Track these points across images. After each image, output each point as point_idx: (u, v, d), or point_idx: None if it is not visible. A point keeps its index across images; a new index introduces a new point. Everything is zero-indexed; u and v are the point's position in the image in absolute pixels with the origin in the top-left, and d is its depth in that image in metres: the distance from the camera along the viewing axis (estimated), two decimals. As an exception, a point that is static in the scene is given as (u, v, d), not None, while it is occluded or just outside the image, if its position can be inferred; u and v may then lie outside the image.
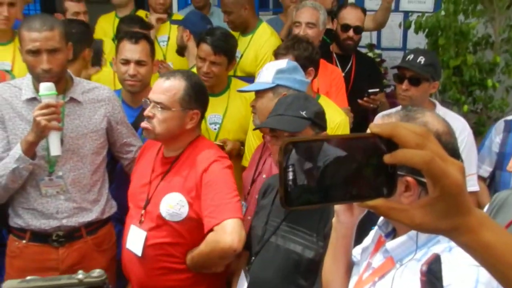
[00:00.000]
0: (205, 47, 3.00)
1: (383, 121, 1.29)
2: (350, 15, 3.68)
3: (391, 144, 0.71)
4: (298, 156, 0.69)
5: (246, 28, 3.97)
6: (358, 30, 3.71)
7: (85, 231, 2.48)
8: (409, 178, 1.20)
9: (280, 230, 1.99)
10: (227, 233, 2.10)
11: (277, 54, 2.80)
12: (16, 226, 2.42)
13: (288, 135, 2.00)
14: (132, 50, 2.83)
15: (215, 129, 3.08)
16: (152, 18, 3.99)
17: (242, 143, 3.00)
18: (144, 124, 2.25)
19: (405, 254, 1.26)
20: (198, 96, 2.30)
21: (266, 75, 2.47)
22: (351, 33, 3.67)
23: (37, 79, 2.29)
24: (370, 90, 3.49)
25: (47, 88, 2.21)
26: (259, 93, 2.49)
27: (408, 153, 0.69)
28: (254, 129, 2.49)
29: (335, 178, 0.70)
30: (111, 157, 2.69)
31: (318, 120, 2.07)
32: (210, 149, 2.33)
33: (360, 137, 0.73)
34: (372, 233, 1.47)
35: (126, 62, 2.83)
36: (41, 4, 7.62)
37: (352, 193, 0.72)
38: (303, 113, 2.03)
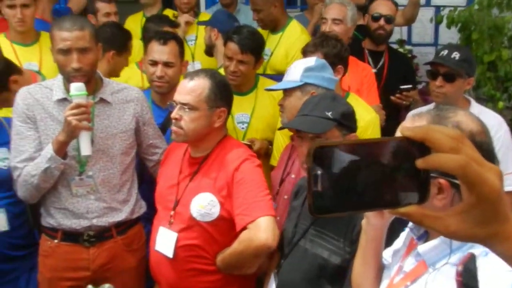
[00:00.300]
0: (232, 46, 2.99)
1: (414, 121, 1.25)
2: (380, 5, 3.64)
3: (423, 148, 0.68)
4: (327, 161, 0.67)
5: (275, 26, 3.96)
6: (389, 19, 3.64)
7: (115, 231, 2.50)
8: (442, 180, 1.17)
9: (308, 233, 1.97)
10: (261, 230, 2.08)
11: (305, 52, 2.77)
12: (48, 225, 2.46)
13: (312, 136, 1.96)
14: (160, 51, 2.84)
15: (242, 128, 3.08)
16: (181, 20, 4.00)
17: (270, 142, 2.99)
18: (173, 128, 2.25)
19: (438, 258, 1.23)
20: (223, 93, 2.30)
21: (294, 73, 2.45)
22: (382, 22, 3.61)
23: (68, 78, 2.33)
24: (402, 87, 3.43)
25: (77, 88, 2.24)
26: (287, 91, 2.47)
27: (442, 157, 0.67)
28: (279, 129, 2.47)
29: (365, 184, 0.68)
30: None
31: (346, 121, 2.01)
32: (239, 148, 2.33)
33: (391, 140, 0.71)
34: (403, 235, 1.44)
35: (154, 63, 2.84)
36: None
37: (383, 200, 0.69)
38: (329, 114, 1.97)
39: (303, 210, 2.03)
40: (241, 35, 3.01)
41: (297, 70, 2.44)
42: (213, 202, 2.22)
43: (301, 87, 2.41)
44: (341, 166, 0.67)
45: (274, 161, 2.82)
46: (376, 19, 3.62)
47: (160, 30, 3.18)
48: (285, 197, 2.43)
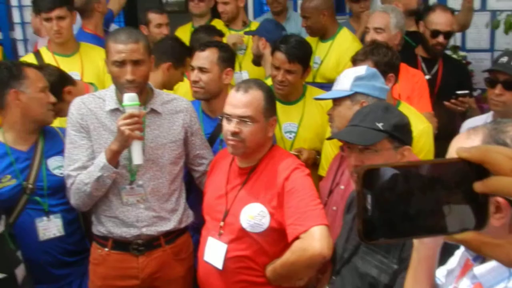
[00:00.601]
0: (280, 56, 2.98)
1: (469, 136, 1.20)
2: (440, 20, 3.49)
3: (481, 170, 0.64)
4: (377, 184, 0.64)
5: (324, 34, 3.94)
6: (449, 35, 3.54)
7: (163, 240, 2.53)
8: (500, 199, 1.10)
9: (360, 250, 1.91)
10: (316, 239, 2.05)
11: (355, 61, 2.73)
12: (98, 233, 2.51)
13: (361, 148, 1.91)
14: (197, 58, 2.89)
15: (290, 137, 3.06)
16: (229, 41, 3.92)
17: (318, 152, 2.95)
18: (231, 141, 2.24)
19: (496, 281, 1.16)
20: (273, 102, 2.34)
21: (344, 83, 2.41)
22: (441, 39, 3.50)
23: (121, 89, 2.38)
24: (458, 92, 3.32)
25: (130, 98, 2.29)
26: (337, 101, 2.43)
27: (502, 181, 0.63)
28: (328, 139, 2.44)
29: (419, 209, 0.65)
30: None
31: (398, 133, 1.93)
32: (288, 158, 2.33)
33: (446, 162, 0.67)
34: (458, 254, 1.38)
35: (192, 69, 2.90)
36: (124, 16, 7.96)
37: (438, 225, 0.66)
38: (379, 125, 1.91)
39: (354, 225, 1.98)
40: (288, 44, 2.99)
41: (347, 79, 2.40)
42: (263, 213, 2.21)
43: (351, 96, 2.36)
44: (393, 189, 0.64)
45: (322, 171, 2.78)
46: (435, 35, 3.50)
47: (209, 40, 3.21)
48: (334, 208, 2.39)
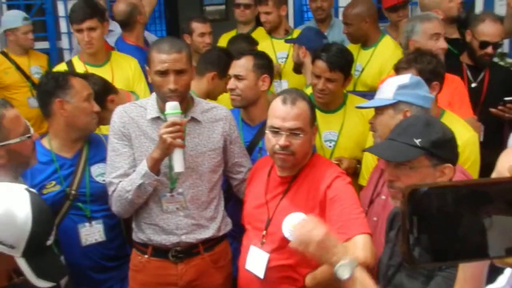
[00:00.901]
0: (320, 64, 2.95)
1: None
2: (489, 31, 3.36)
3: None
4: (423, 204, 0.61)
5: (366, 41, 3.88)
6: (498, 45, 3.44)
7: (202, 248, 2.53)
8: None
9: (403, 267, 1.84)
10: (359, 248, 2.01)
11: (398, 69, 2.66)
12: (139, 240, 2.52)
13: (397, 164, 1.83)
14: (233, 66, 2.90)
15: (330, 146, 3.01)
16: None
17: (359, 161, 2.90)
18: (281, 155, 2.21)
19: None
20: (314, 111, 2.33)
21: (387, 91, 2.35)
22: (489, 50, 3.39)
23: (163, 98, 2.39)
24: (506, 98, 3.20)
25: (172, 107, 2.30)
26: (379, 109, 2.38)
27: None
28: (364, 151, 2.38)
29: (468, 231, 0.61)
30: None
31: (438, 150, 1.80)
32: (329, 166, 2.31)
33: (496, 182, 0.63)
34: (507, 272, 1.31)
35: (229, 77, 2.91)
36: (166, 25, 8.09)
37: (488, 248, 0.62)
38: (417, 141, 1.79)
39: (398, 242, 1.92)
40: (329, 52, 2.96)
41: (390, 87, 2.34)
42: None
43: (394, 105, 2.30)
44: (440, 210, 0.61)
45: (363, 180, 2.72)
46: (484, 46, 3.38)
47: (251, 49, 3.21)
48: (374, 219, 2.33)
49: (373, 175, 2.49)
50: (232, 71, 2.90)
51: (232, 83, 2.87)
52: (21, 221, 1.44)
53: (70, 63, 3.64)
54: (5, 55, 4.55)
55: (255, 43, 3.88)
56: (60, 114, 2.55)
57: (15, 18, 4.54)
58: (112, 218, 2.64)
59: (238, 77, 2.86)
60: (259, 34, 4.54)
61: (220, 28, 4.97)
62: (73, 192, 2.56)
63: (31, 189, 1.56)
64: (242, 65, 2.87)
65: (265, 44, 4.18)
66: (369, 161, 2.72)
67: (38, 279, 1.45)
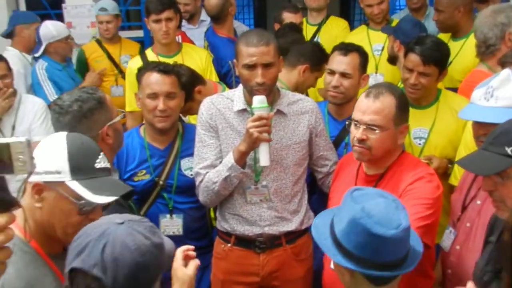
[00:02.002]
0: (413, 58, 2.78)
1: None
2: None
3: None
4: None
5: (457, 32, 3.61)
6: None
7: (285, 240, 2.50)
8: None
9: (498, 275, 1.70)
10: None
11: (504, 63, 2.43)
12: (222, 230, 2.54)
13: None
14: (339, 62, 2.77)
15: (419, 144, 2.84)
16: None
17: (450, 161, 2.71)
18: (357, 148, 2.15)
19: None
20: (406, 108, 2.20)
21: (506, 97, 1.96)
22: None
23: (250, 91, 2.37)
24: None
25: (260, 101, 2.26)
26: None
27: None
28: (455, 163, 2.18)
29: None
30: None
31: None
32: (417, 166, 2.18)
33: None
34: None
35: (332, 72, 2.78)
36: (254, 12, 8.08)
37: None
38: (508, 150, 1.61)
39: (497, 247, 1.77)
40: (423, 45, 2.77)
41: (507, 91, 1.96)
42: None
43: None
44: None
45: (455, 180, 2.53)
46: None
47: (344, 42, 3.07)
48: (468, 224, 2.15)
49: (466, 177, 2.30)
50: (338, 67, 2.75)
51: (337, 80, 2.74)
52: (55, 147, 1.48)
53: (144, 55, 3.66)
54: (99, 43, 4.70)
55: (300, 30, 3.71)
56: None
57: (95, 8, 4.68)
58: (198, 210, 2.67)
59: (345, 75, 2.75)
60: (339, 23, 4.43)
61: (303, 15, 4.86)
62: (161, 182, 2.61)
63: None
64: (349, 63, 2.75)
65: (361, 35, 3.99)
66: (462, 160, 2.53)
67: (95, 195, 1.46)
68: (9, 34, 4.48)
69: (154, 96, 2.56)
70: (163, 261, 1.30)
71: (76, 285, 1.19)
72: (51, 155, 1.49)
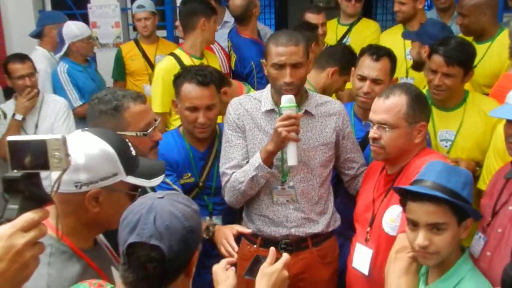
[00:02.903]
0: (437, 59, 2.69)
1: None
2: None
3: None
4: None
5: (481, 35, 3.51)
6: None
7: (311, 242, 2.46)
8: None
9: None
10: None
11: None
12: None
13: None
14: (371, 68, 2.68)
15: (446, 146, 2.77)
16: None
17: (478, 164, 2.64)
18: (372, 147, 2.16)
19: None
20: (421, 107, 2.17)
21: None
22: None
23: (278, 91, 2.33)
24: None
25: (288, 100, 2.23)
26: None
27: None
28: (505, 177, 2.12)
29: None
30: (337, 171, 2.63)
31: None
32: (434, 155, 2.15)
33: None
34: None
35: (363, 78, 2.70)
36: (275, 13, 8.03)
37: None
38: None
39: None
40: (447, 46, 2.68)
41: None
42: (401, 214, 2.04)
43: None
44: None
45: (483, 184, 2.46)
46: None
47: (373, 44, 3.00)
48: (499, 230, 2.08)
49: (497, 181, 2.23)
50: (371, 73, 2.68)
51: (368, 87, 2.67)
52: (103, 151, 1.47)
53: (175, 56, 3.59)
54: (136, 42, 4.67)
55: (315, 28, 3.62)
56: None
57: (133, 6, 4.63)
58: (230, 214, 2.65)
59: (376, 81, 2.68)
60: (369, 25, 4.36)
61: (327, 15, 4.80)
62: (200, 184, 2.59)
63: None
64: (380, 69, 2.68)
65: (396, 38, 3.81)
66: (492, 164, 2.46)
67: (150, 180, 1.55)
68: (37, 35, 4.49)
69: (194, 109, 2.51)
70: (201, 226, 1.38)
71: (137, 259, 1.25)
72: (103, 161, 1.47)
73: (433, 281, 1.81)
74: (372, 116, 2.17)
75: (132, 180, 1.51)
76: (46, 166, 1.03)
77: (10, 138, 1.05)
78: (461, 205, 1.72)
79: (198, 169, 2.59)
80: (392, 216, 2.12)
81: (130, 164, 1.52)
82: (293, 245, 2.45)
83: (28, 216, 1.01)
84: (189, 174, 2.57)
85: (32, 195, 1.04)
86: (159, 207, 1.29)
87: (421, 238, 1.72)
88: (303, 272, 2.47)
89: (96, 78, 4.38)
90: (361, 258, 2.23)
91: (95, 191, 1.46)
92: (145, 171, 1.56)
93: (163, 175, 1.61)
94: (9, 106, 3.71)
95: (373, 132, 2.15)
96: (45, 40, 4.44)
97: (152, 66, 4.47)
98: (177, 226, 1.27)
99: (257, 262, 1.67)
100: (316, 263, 2.48)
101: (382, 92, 2.20)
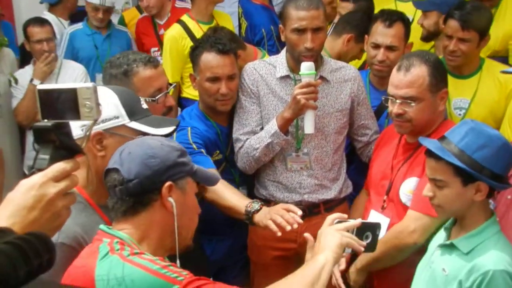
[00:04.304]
0: (452, 23, 2.59)
1: None
2: None
3: None
4: None
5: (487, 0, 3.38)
6: None
7: (323, 208, 2.41)
8: None
9: None
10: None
11: None
12: (261, 197, 2.43)
13: None
14: (384, 35, 2.55)
15: (459, 114, 2.68)
16: None
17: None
18: (397, 122, 2.07)
19: None
20: (442, 74, 2.09)
21: None
22: None
23: (298, 57, 2.24)
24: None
25: (308, 67, 2.14)
26: None
27: None
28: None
29: None
30: (350, 138, 2.56)
31: None
32: None
33: None
34: None
35: (377, 46, 2.57)
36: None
37: None
38: None
39: None
40: (463, 10, 2.58)
41: None
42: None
43: None
44: None
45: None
46: None
47: (385, 9, 2.87)
48: (509, 197, 2.04)
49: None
50: (383, 41, 2.54)
51: (383, 54, 2.54)
52: (105, 97, 1.46)
53: (182, 22, 3.46)
54: (138, 8, 4.48)
55: None
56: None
57: None
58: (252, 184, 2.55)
59: (391, 48, 2.55)
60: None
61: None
62: (227, 158, 2.48)
63: None
64: (394, 35, 2.54)
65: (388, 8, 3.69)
66: (506, 132, 2.38)
67: (157, 129, 1.54)
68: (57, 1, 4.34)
69: (215, 79, 2.31)
70: (173, 158, 1.36)
71: (106, 184, 1.36)
72: (105, 104, 1.40)
73: (455, 238, 1.76)
74: (394, 91, 2.04)
75: (136, 125, 1.51)
76: (76, 116, 0.98)
77: (41, 86, 1.00)
78: (457, 166, 1.61)
79: (225, 145, 2.47)
80: (410, 188, 2.07)
81: (134, 111, 1.52)
82: (306, 210, 2.38)
83: (60, 166, 0.97)
84: (218, 151, 2.42)
85: (63, 145, 1.00)
86: (134, 142, 1.37)
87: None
88: (315, 237, 2.42)
89: (103, 47, 4.10)
90: None
91: (97, 132, 1.46)
92: (154, 121, 1.55)
93: (174, 127, 1.59)
94: (28, 71, 3.60)
95: (397, 108, 2.03)
96: (59, 6, 4.28)
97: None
98: (138, 152, 1.33)
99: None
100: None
101: (400, 64, 2.06)
